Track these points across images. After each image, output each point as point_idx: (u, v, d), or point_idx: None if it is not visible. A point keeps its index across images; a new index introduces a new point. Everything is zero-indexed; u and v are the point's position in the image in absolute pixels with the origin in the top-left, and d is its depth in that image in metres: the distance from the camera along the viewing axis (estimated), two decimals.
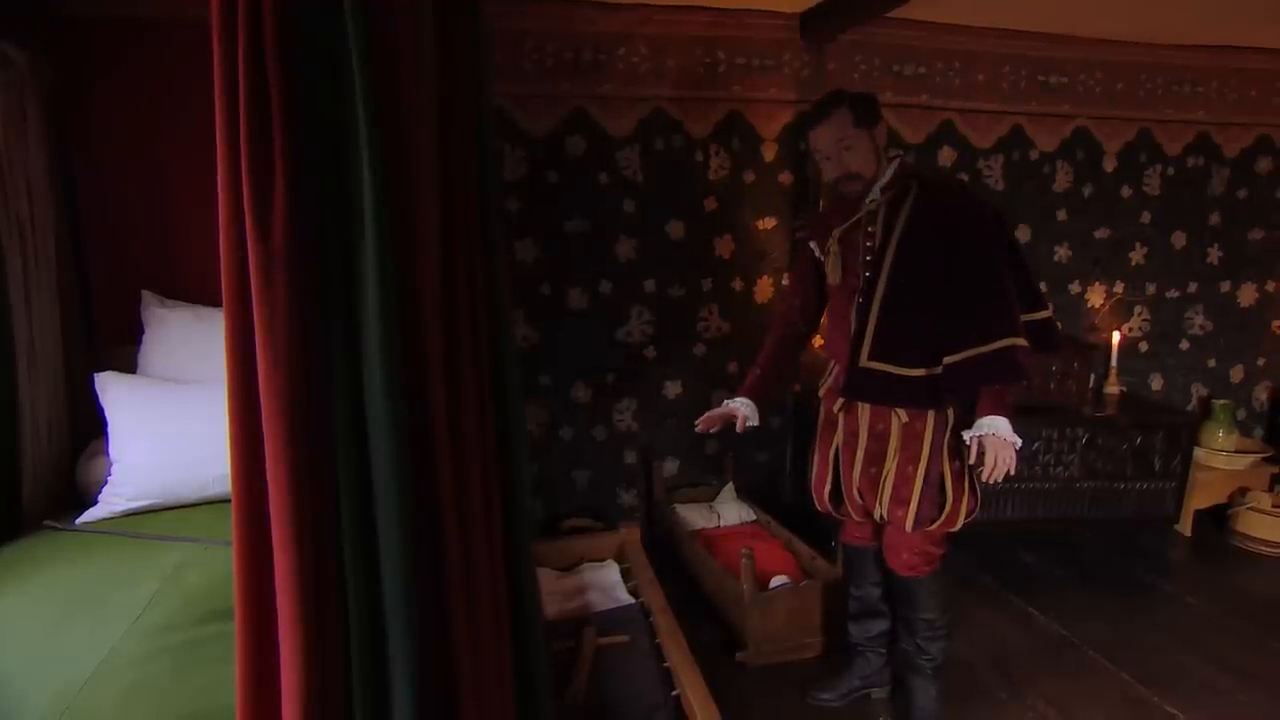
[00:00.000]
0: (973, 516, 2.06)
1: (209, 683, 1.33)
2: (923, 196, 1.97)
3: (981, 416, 1.90)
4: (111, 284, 2.62)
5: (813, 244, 2.21)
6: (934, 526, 2.03)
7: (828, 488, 2.20)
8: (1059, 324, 2.11)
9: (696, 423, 2.23)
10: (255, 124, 0.90)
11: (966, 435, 1.91)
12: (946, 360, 1.89)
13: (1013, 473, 1.88)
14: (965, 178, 3.48)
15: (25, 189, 2.25)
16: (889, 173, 2.03)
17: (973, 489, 2.05)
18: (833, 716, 2.30)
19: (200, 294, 2.58)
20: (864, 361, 1.99)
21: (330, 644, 0.94)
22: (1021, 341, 1.84)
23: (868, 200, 2.04)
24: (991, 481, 1.88)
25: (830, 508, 2.23)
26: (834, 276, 2.11)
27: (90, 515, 2.13)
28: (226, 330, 0.96)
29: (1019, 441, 1.88)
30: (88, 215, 2.59)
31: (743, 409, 2.20)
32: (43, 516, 2.15)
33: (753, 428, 2.22)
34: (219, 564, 1.75)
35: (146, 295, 2.56)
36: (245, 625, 0.98)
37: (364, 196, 0.94)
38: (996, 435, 1.87)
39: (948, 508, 2.01)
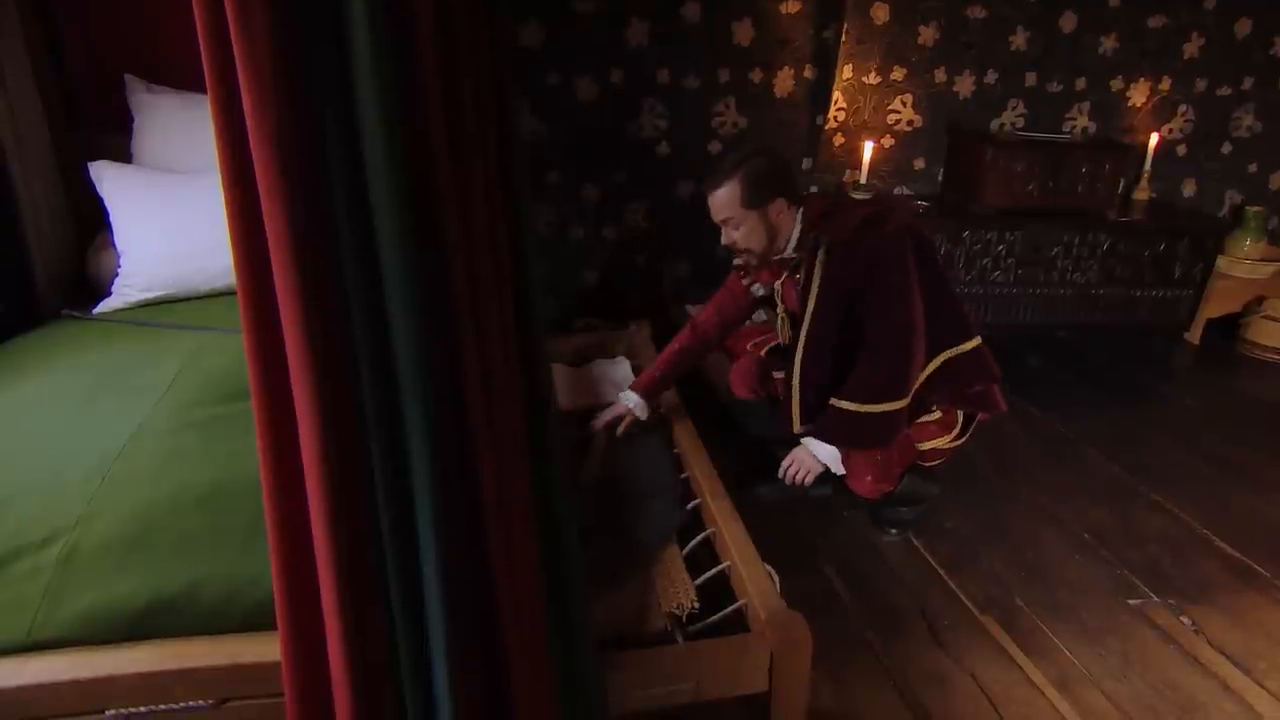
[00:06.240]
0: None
1: (235, 451, 1.39)
2: (829, 256, 1.91)
3: (813, 434, 1.98)
4: (90, 68, 2.46)
5: (757, 286, 2.17)
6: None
7: None
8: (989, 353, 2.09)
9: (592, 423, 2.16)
10: None
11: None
12: (831, 402, 1.93)
13: (808, 482, 2.00)
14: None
15: None
16: (794, 236, 1.98)
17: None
18: (825, 504, 2.43)
19: (186, 78, 2.43)
20: (797, 429, 2.04)
21: (344, 410, 0.96)
22: (888, 407, 1.88)
23: (788, 257, 2.03)
24: (789, 479, 2.02)
25: None
26: (784, 335, 2.20)
27: (106, 305, 2.15)
28: (216, 129, 0.89)
29: (828, 465, 1.98)
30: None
31: (634, 408, 2.12)
32: (60, 307, 2.18)
33: (638, 426, 2.15)
34: (236, 349, 1.77)
35: (130, 80, 2.42)
36: (262, 403, 1.00)
37: None
38: (804, 448, 1.99)
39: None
